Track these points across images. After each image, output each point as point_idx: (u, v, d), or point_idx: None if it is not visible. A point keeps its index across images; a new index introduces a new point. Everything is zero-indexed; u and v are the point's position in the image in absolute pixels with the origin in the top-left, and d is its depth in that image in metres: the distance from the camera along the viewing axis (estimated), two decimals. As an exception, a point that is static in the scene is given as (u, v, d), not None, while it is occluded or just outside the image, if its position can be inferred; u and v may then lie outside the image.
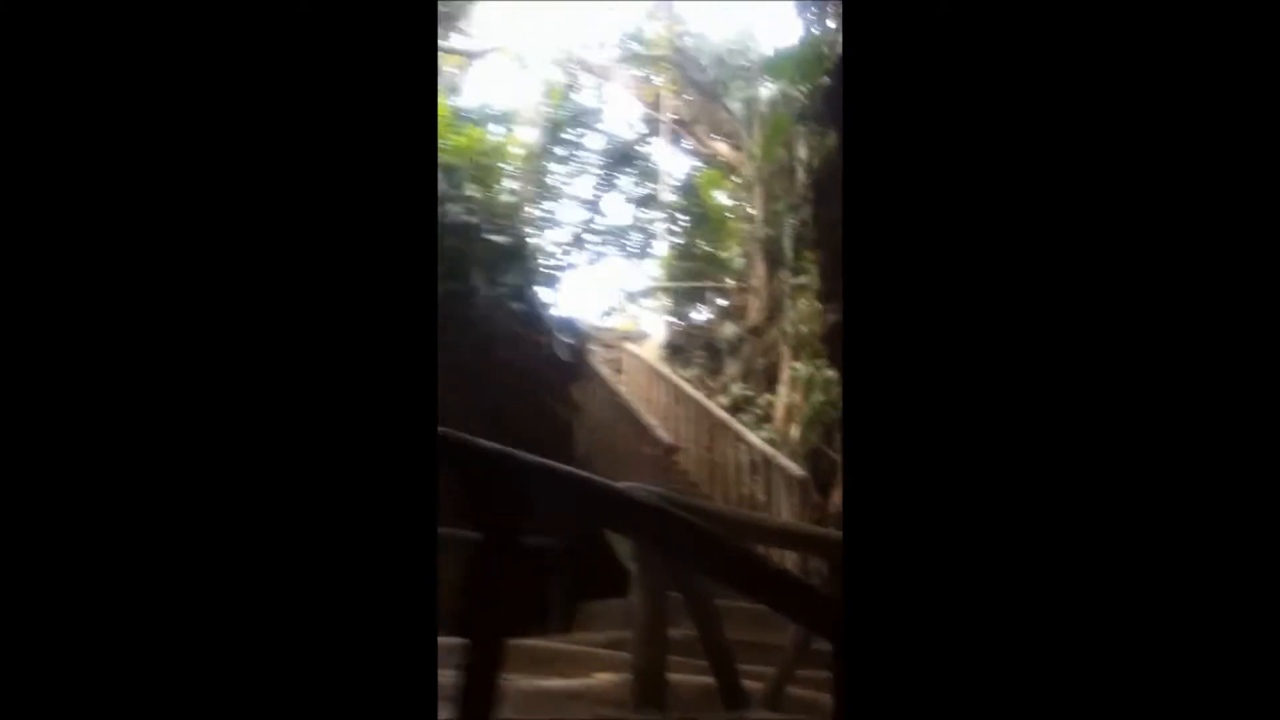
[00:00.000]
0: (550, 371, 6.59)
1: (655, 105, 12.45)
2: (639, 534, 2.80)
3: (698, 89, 11.67)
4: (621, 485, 2.90)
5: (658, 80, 12.34)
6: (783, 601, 2.54)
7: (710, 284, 11.73)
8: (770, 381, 9.32)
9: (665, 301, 12.01)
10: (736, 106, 11.04)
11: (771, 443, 7.97)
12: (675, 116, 12.26)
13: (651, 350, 10.61)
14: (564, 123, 12.88)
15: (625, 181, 13.59)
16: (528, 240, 7.61)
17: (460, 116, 10.03)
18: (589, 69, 13.07)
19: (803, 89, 9.30)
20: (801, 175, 9.76)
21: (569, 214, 13.36)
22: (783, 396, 8.84)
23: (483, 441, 1.82)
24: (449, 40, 11.22)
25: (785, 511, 6.90)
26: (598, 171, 13.38)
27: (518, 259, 6.53)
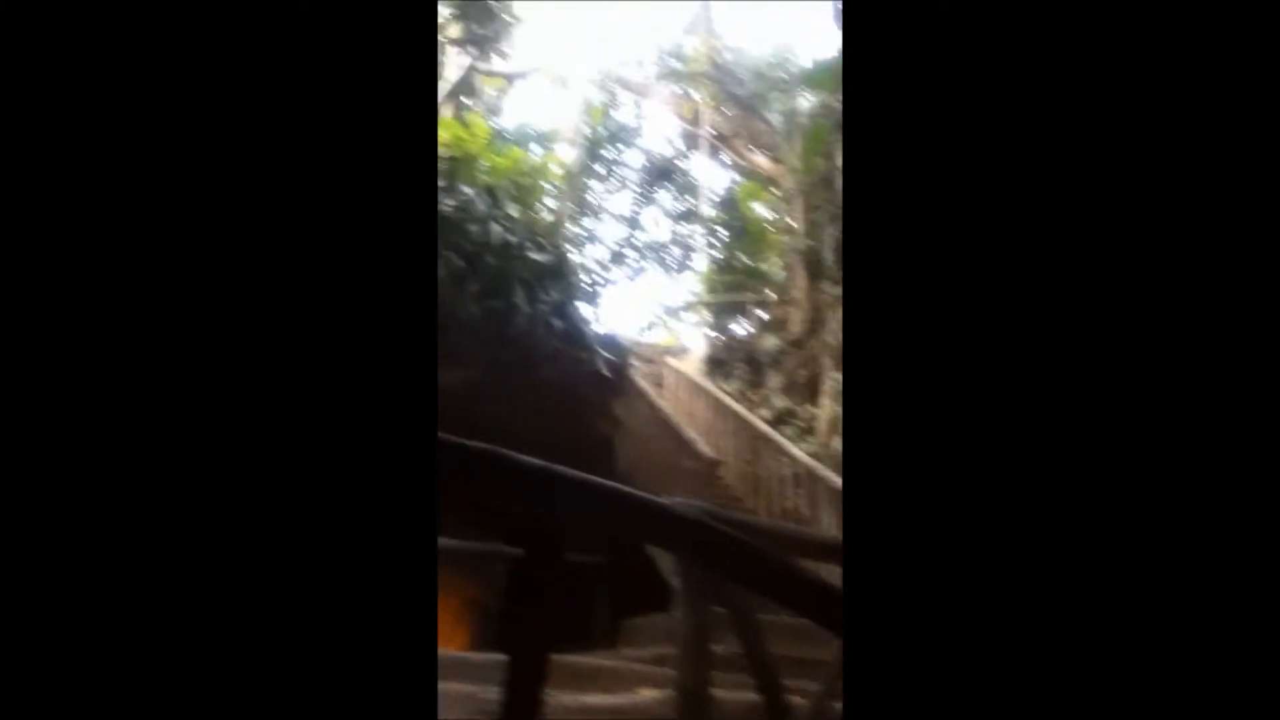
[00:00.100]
0: (591, 387, 6.61)
1: (694, 120, 12.49)
2: (681, 548, 2.79)
3: (736, 103, 11.70)
4: (664, 499, 2.89)
5: (696, 95, 12.38)
6: (827, 616, 2.52)
7: (751, 297, 11.70)
8: (813, 394, 9.26)
9: (706, 315, 12.00)
10: (775, 119, 11.05)
11: (815, 455, 7.92)
12: (714, 131, 12.29)
13: (692, 364, 10.60)
14: (603, 141, 12.97)
15: (664, 197, 13.64)
16: (568, 257, 7.65)
17: (501, 137, 10.15)
18: (628, 86, 13.16)
19: (842, 100, 9.26)
20: (841, 185, 9.71)
21: (609, 231, 13.43)
22: (825, 409, 8.78)
23: (525, 457, 1.82)
24: (489, 62, 11.36)
25: (829, 525, 6.83)
26: (637, 188, 13.45)
27: (558, 276, 6.56)
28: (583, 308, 7.29)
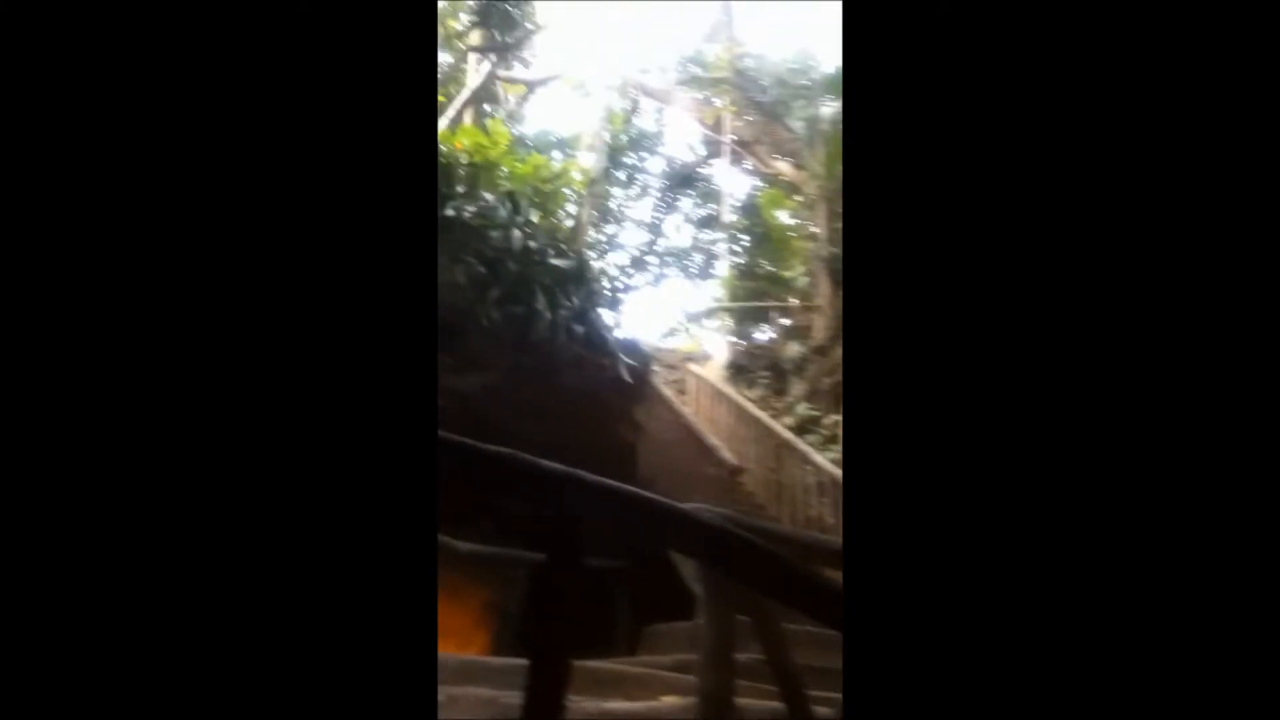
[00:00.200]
0: (613, 393, 6.59)
1: (716, 127, 12.48)
2: (704, 555, 2.77)
3: (759, 109, 11.68)
4: (686, 506, 2.87)
5: (718, 102, 12.37)
6: (851, 624, 2.48)
7: (773, 303, 11.67)
8: (837, 401, 9.21)
9: (728, 322, 11.98)
10: (798, 125, 11.02)
11: (839, 463, 7.87)
12: (736, 137, 12.27)
13: (715, 371, 10.57)
14: (625, 147, 12.98)
15: (686, 203, 13.64)
16: (589, 263, 7.65)
17: (522, 144, 10.18)
18: (649, 93, 13.17)
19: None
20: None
21: (631, 237, 13.44)
22: (850, 416, 8.70)
23: (546, 463, 1.81)
24: (511, 69, 11.41)
25: (854, 533, 6.76)
26: (659, 194, 13.45)
27: (580, 282, 6.56)
28: (605, 314, 7.29)
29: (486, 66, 10.22)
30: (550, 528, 1.75)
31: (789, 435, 8.20)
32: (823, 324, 10.01)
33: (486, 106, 10.88)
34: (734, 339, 11.81)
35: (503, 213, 6.32)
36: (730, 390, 9.56)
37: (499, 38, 9.51)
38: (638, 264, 13.08)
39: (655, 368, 9.29)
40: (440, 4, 9.84)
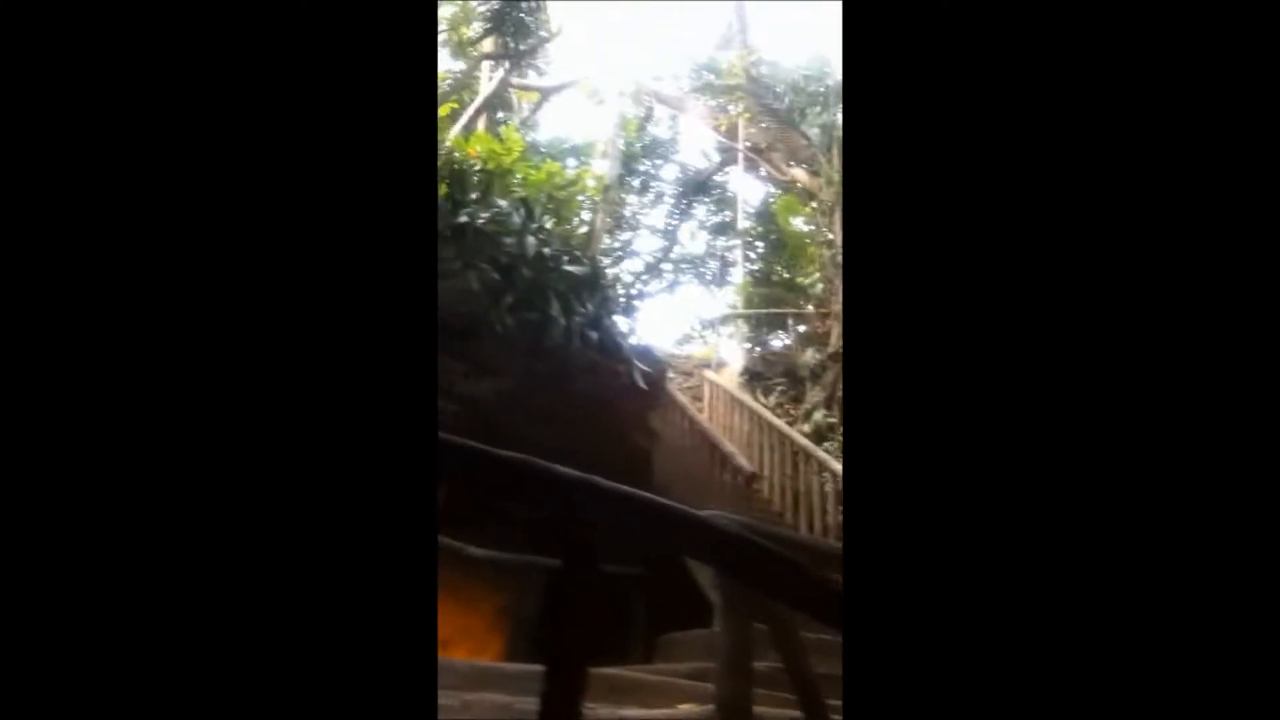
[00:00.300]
0: (628, 400, 6.58)
1: (731, 134, 12.47)
2: (721, 562, 2.75)
3: (773, 116, 11.65)
4: (703, 513, 2.85)
5: (732, 109, 12.36)
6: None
7: (790, 310, 11.63)
8: (854, 408, 9.16)
9: (744, 329, 11.95)
10: (813, 132, 10.99)
11: (856, 470, 7.82)
12: (751, 144, 12.25)
13: (731, 378, 10.54)
14: (639, 154, 13.00)
15: (701, 210, 13.64)
16: (604, 270, 7.65)
17: (536, 150, 10.20)
18: (663, 100, 13.18)
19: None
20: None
21: (646, 244, 13.45)
22: (867, 423, 8.67)
23: (562, 469, 1.80)
24: (524, 77, 11.44)
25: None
26: (674, 201, 13.46)
27: (594, 289, 6.55)
28: (619, 320, 7.28)
29: (500, 74, 10.25)
30: (565, 534, 1.73)
31: (806, 442, 8.16)
32: (839, 331, 9.97)
33: (500, 114, 10.91)
34: (750, 345, 11.78)
35: (516, 219, 6.32)
36: (746, 397, 9.52)
37: (512, 45, 9.53)
38: (652, 270, 13.09)
39: (670, 374, 9.27)
40: (453, 10, 9.88)
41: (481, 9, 9.85)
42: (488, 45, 10.27)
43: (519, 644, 4.43)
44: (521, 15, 9.26)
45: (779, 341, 11.95)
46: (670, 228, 13.54)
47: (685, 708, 3.30)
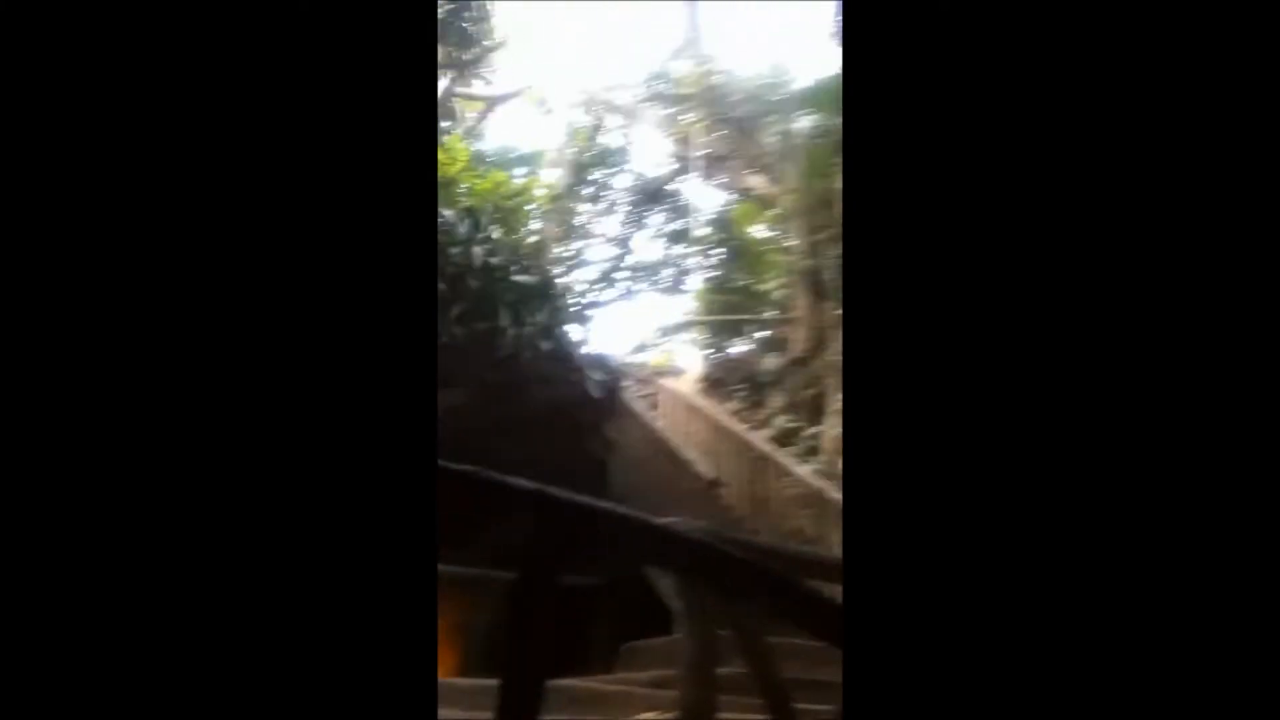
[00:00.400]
0: (583, 409, 6.54)
1: (685, 142, 12.49)
2: (682, 569, 2.73)
3: (730, 125, 11.70)
4: (663, 521, 2.82)
5: (688, 118, 12.38)
6: (837, 636, 2.44)
7: (749, 317, 11.69)
8: (817, 413, 9.22)
9: (702, 335, 11.98)
10: (771, 141, 11.05)
11: (821, 475, 7.85)
12: (707, 152, 12.28)
13: (689, 385, 10.56)
14: (590, 164, 12.99)
15: (656, 218, 13.66)
16: (554, 279, 7.62)
17: (484, 160, 10.14)
18: (615, 109, 13.18)
19: (839, 120, 9.32)
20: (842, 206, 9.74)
21: (599, 252, 13.43)
22: (831, 428, 8.73)
23: (516, 480, 1.76)
24: (469, 86, 11.37)
25: (837, 545, 6.76)
26: (627, 209, 13.46)
27: (545, 298, 6.51)
28: (573, 330, 7.25)
29: (443, 83, 10.18)
30: (523, 546, 1.70)
31: (767, 448, 8.19)
32: (800, 336, 10.03)
33: (444, 124, 10.82)
34: (709, 352, 11.81)
35: (462, 229, 6.26)
36: (705, 404, 9.53)
37: (455, 54, 9.47)
38: (606, 279, 13.08)
39: (627, 383, 9.26)
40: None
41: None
42: (431, 55, 10.19)
43: (474, 659, 4.37)
44: (464, 25, 9.20)
45: (738, 348, 12.00)
46: (624, 236, 13.54)
47: (647, 716, 3.29)
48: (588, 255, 13.27)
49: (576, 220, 12.99)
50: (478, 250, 6.11)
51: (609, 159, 13.36)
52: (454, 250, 6.02)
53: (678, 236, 13.34)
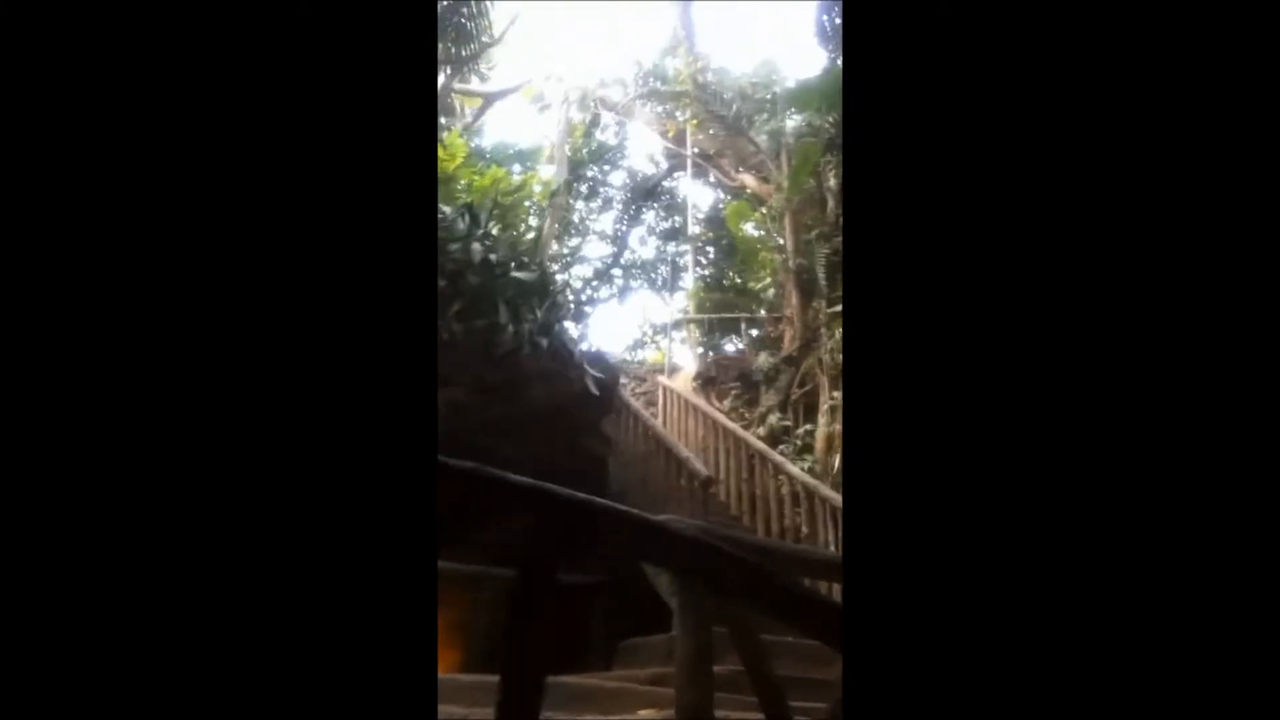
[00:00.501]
0: (581, 407, 6.53)
1: (679, 140, 12.49)
2: (679, 567, 2.73)
3: (721, 123, 11.69)
4: (660, 518, 2.82)
5: (681, 115, 12.38)
6: (831, 635, 2.45)
7: (742, 315, 11.68)
8: (809, 411, 9.23)
9: (697, 334, 11.97)
10: (762, 139, 11.05)
11: (812, 473, 7.87)
12: (700, 150, 12.28)
13: (685, 383, 10.55)
14: (586, 160, 12.97)
15: (651, 216, 13.65)
16: (553, 275, 7.61)
17: (481, 157, 10.13)
18: (610, 106, 13.16)
19: (829, 119, 9.33)
20: (832, 204, 9.76)
21: (595, 250, 13.42)
22: (823, 426, 8.75)
23: (515, 477, 1.77)
24: (468, 83, 11.35)
25: (830, 543, 6.77)
26: (622, 207, 13.45)
27: (543, 295, 6.49)
28: (570, 327, 7.24)
29: (441, 80, 10.16)
30: (522, 544, 1.71)
31: (761, 446, 8.19)
32: (792, 335, 10.03)
33: (443, 119, 10.81)
34: (703, 350, 11.80)
35: (461, 225, 6.24)
36: (701, 402, 9.53)
37: (453, 51, 9.45)
38: (602, 276, 13.06)
39: (624, 380, 9.25)
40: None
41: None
42: (430, 52, 10.16)
43: (474, 656, 4.37)
44: (463, 20, 9.18)
45: (732, 346, 11.99)
46: (619, 233, 13.53)
47: (645, 713, 3.29)
48: (584, 252, 13.26)
49: (573, 217, 12.97)
50: (477, 247, 6.10)
51: (605, 156, 13.34)
52: (453, 247, 6.01)
53: (671, 234, 13.33)
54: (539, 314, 6.27)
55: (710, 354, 11.68)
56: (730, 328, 11.96)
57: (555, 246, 11.37)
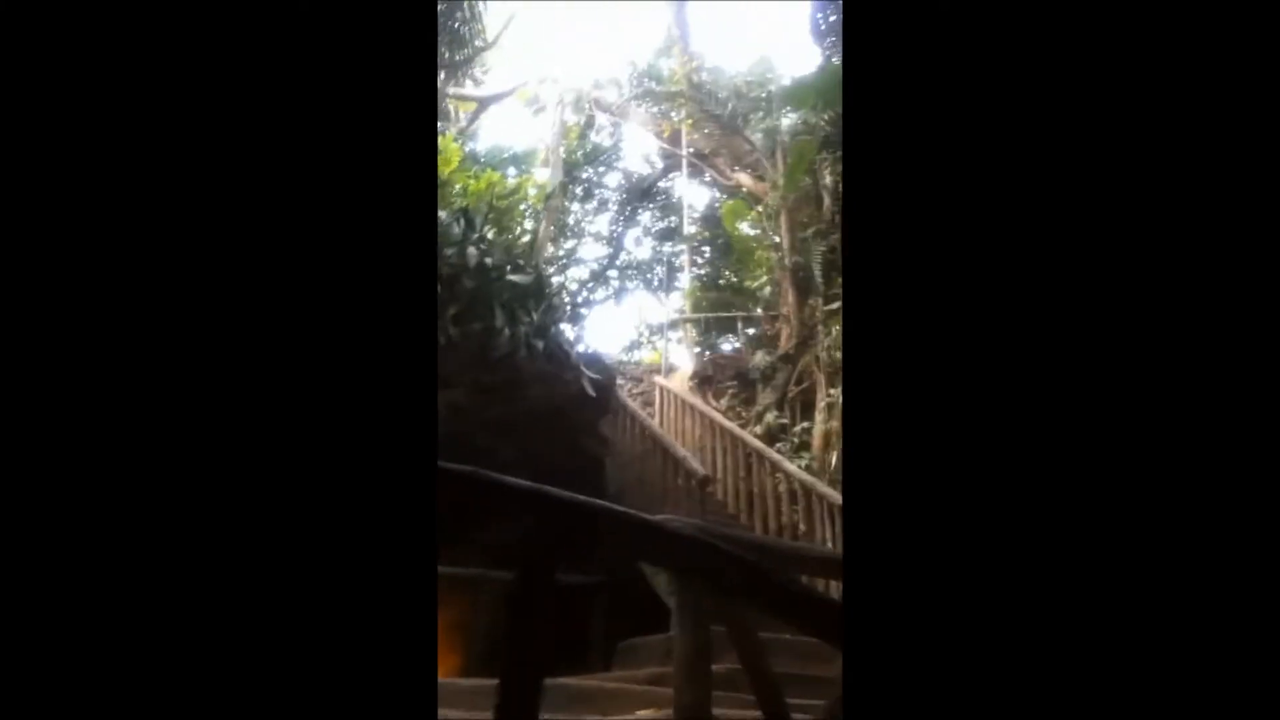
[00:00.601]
0: (578, 408, 6.55)
1: (674, 140, 12.50)
2: (678, 566, 2.74)
3: (716, 122, 11.71)
4: (657, 518, 2.84)
5: (676, 115, 12.39)
6: (830, 632, 2.46)
7: (738, 314, 11.69)
8: (806, 409, 9.25)
9: (693, 333, 11.98)
10: (757, 137, 11.06)
11: (810, 470, 7.89)
12: (695, 150, 12.29)
13: (681, 382, 10.55)
14: (581, 162, 12.97)
15: (646, 216, 13.65)
16: (548, 278, 7.62)
17: (476, 161, 10.13)
18: (604, 108, 13.17)
19: (824, 117, 9.35)
20: (828, 202, 9.77)
21: (591, 251, 13.43)
22: (820, 423, 8.77)
23: (514, 480, 1.78)
24: (462, 87, 11.35)
25: (827, 540, 6.79)
26: (618, 208, 13.45)
27: (539, 297, 6.51)
28: (566, 328, 7.25)
29: (435, 84, 10.16)
30: (520, 545, 1.72)
31: (758, 444, 8.20)
32: (788, 333, 10.05)
33: (437, 124, 10.82)
34: (699, 350, 11.81)
35: (456, 230, 6.26)
36: (698, 401, 9.54)
37: (447, 55, 9.46)
38: (599, 278, 13.07)
39: (621, 381, 9.26)
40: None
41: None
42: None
43: (474, 659, 4.38)
44: (457, 25, 9.19)
45: (728, 345, 12.00)
46: (615, 234, 13.53)
47: (644, 714, 3.29)
48: (580, 254, 13.27)
49: (568, 219, 12.97)
50: (472, 251, 6.11)
51: (600, 157, 13.35)
52: (449, 251, 6.03)
53: (667, 234, 13.34)
54: (535, 316, 6.29)
55: (707, 353, 11.68)
56: (727, 327, 11.96)
57: (551, 249, 11.36)
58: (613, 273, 13.27)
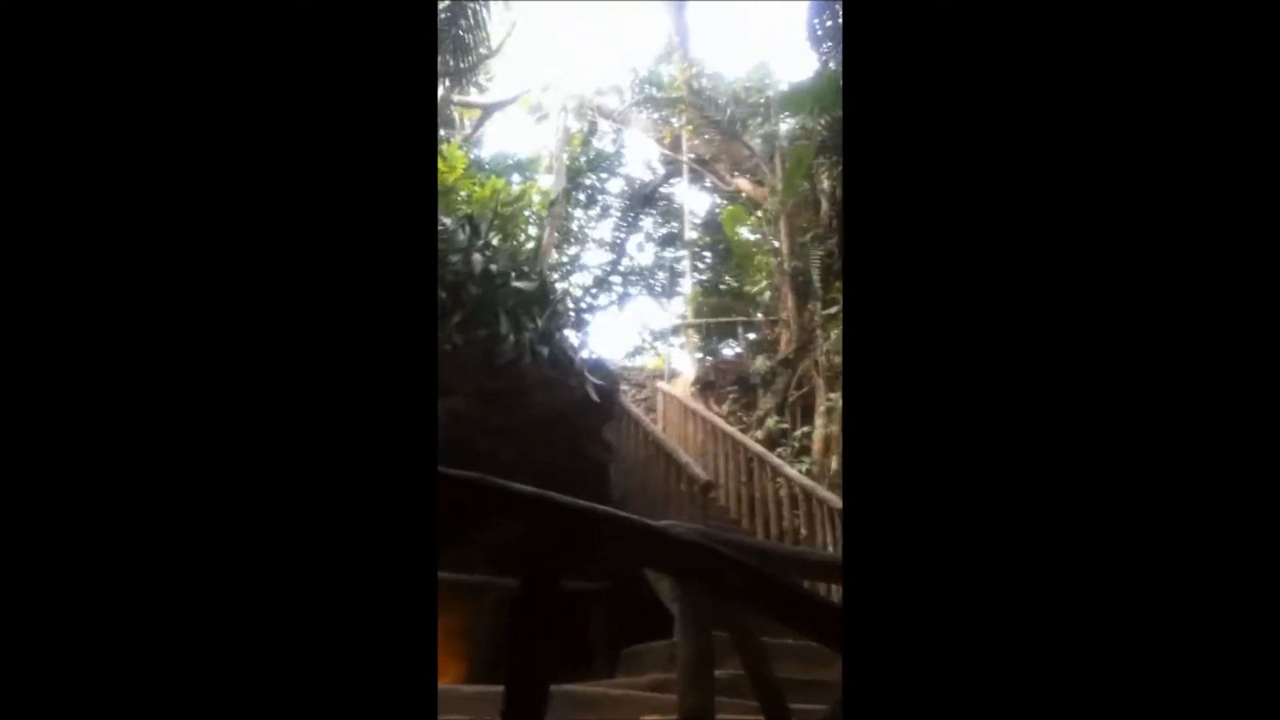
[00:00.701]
0: (582, 414, 6.55)
1: (675, 146, 12.53)
2: (681, 572, 2.75)
3: (716, 128, 11.74)
4: (660, 524, 2.85)
5: (676, 122, 12.43)
6: (831, 635, 2.47)
7: (739, 319, 11.70)
8: (806, 413, 9.25)
9: (695, 338, 11.99)
10: (756, 143, 11.09)
11: (810, 475, 7.90)
12: (695, 155, 12.32)
13: (683, 388, 10.57)
14: (584, 169, 13.00)
15: (648, 222, 13.68)
16: (553, 284, 7.64)
17: (480, 168, 10.16)
18: (606, 115, 13.21)
19: (822, 121, 9.38)
20: (826, 206, 9.79)
21: (594, 257, 13.45)
22: (820, 428, 8.78)
23: (518, 486, 1.79)
24: (466, 94, 11.39)
25: (828, 544, 6.80)
26: (620, 214, 13.48)
27: (543, 304, 6.52)
28: (570, 335, 7.26)
29: (440, 92, 10.20)
30: (524, 551, 1.72)
31: (760, 449, 8.21)
32: (788, 337, 10.06)
33: (442, 131, 10.86)
34: (701, 355, 11.82)
35: (461, 237, 6.28)
36: (700, 406, 9.55)
37: (452, 63, 9.49)
38: (601, 284, 13.08)
39: (624, 387, 9.27)
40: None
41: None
42: (427, 63, 10.18)
43: (478, 666, 4.39)
44: (460, 33, 9.23)
45: (730, 350, 12.01)
46: (618, 240, 13.55)
47: (648, 719, 3.30)
48: (584, 260, 13.29)
49: (572, 225, 13.00)
50: (477, 258, 6.13)
51: (602, 163, 13.38)
52: (454, 258, 6.05)
53: (669, 240, 13.36)
54: (539, 323, 6.30)
55: (708, 359, 11.69)
56: (728, 332, 11.96)
57: (555, 255, 11.39)
58: (615, 279, 13.29)
